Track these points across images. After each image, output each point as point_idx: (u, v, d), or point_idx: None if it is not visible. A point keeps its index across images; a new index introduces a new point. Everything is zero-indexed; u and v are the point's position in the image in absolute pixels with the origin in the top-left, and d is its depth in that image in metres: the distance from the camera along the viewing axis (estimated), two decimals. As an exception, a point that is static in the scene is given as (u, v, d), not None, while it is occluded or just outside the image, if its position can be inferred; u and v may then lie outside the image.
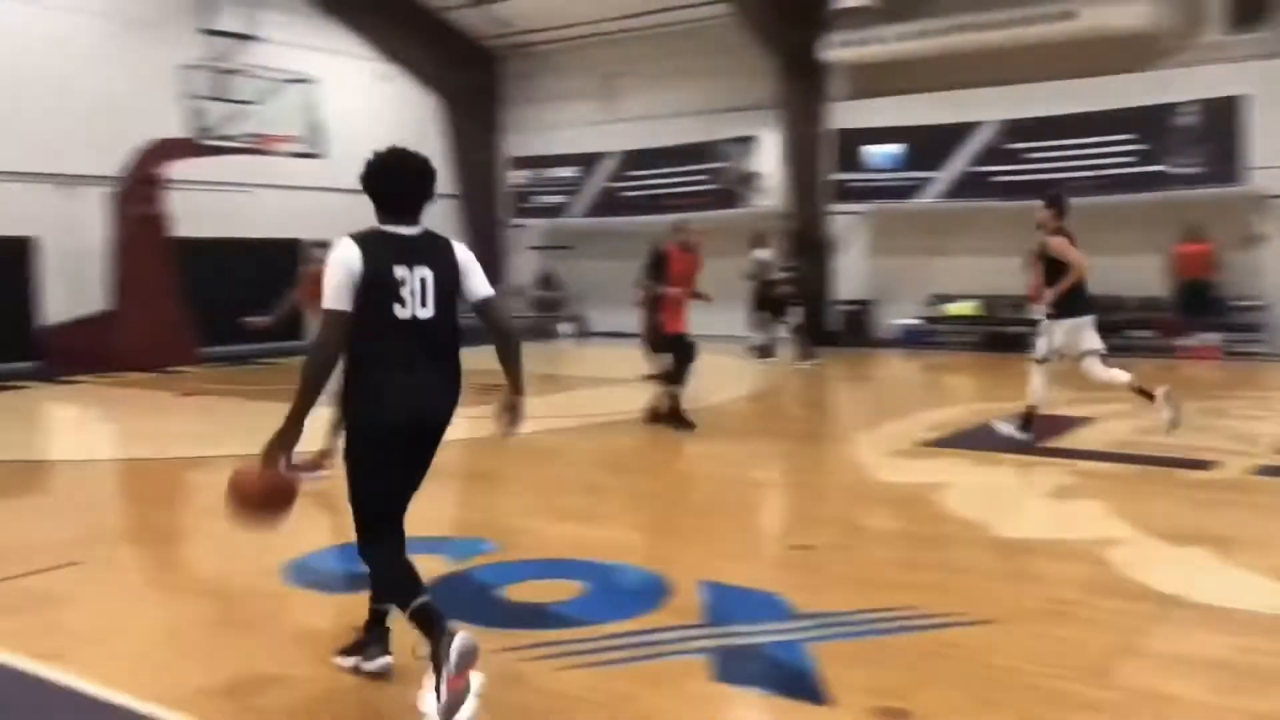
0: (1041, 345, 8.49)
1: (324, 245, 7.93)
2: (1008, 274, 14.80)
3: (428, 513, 7.09)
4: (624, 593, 5.16)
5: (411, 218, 3.91)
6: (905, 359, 17.33)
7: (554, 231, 23.45)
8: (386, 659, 4.07)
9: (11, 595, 5.16)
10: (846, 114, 19.34)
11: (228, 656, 4.32)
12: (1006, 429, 8.62)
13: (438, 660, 3.55)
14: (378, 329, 3.69)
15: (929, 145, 18.22)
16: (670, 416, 9.76)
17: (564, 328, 22.50)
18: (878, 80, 18.86)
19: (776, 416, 11.77)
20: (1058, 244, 8.18)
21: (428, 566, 5.45)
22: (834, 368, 15.73)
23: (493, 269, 23.42)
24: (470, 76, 23.29)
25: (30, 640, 4.49)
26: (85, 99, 17.04)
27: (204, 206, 17.92)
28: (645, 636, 4.45)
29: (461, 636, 3.57)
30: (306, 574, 5.48)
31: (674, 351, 9.74)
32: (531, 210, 23.21)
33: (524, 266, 23.95)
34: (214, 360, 16.73)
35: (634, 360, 15.56)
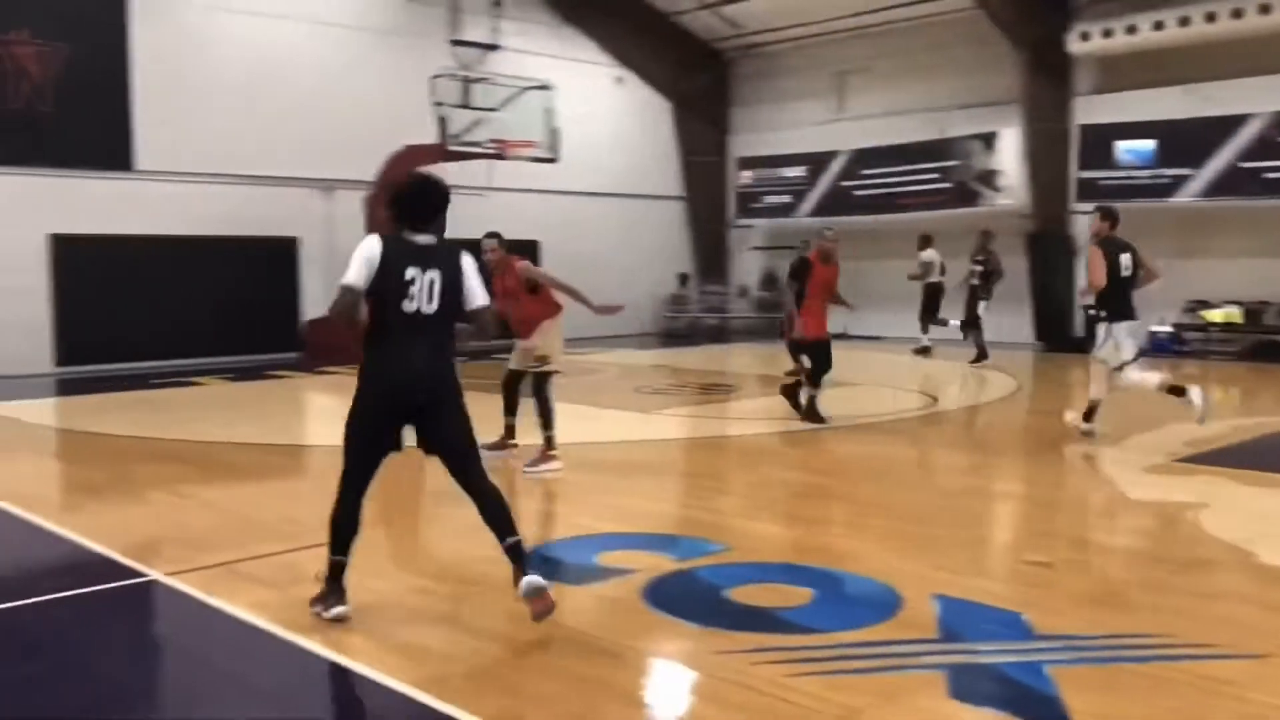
0: None
1: (494, 235, 8.27)
2: (1276, 278, 13.64)
3: (653, 510, 7.23)
4: (854, 602, 5.05)
5: (426, 230, 4.72)
6: (1157, 368, 16.22)
7: (779, 232, 23.33)
8: (343, 608, 4.68)
9: (273, 570, 5.56)
10: (1092, 108, 18.33)
11: (466, 639, 4.51)
12: None
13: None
14: (389, 319, 4.60)
15: (1184, 140, 16.98)
16: (808, 412, 10.11)
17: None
18: (1127, 72, 17.80)
19: (1013, 424, 11.26)
20: None
21: (654, 564, 5.54)
22: (1078, 373, 14.90)
23: (717, 269, 23.74)
24: (700, 79, 23.48)
25: (288, 613, 4.83)
26: (343, 107, 18.26)
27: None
28: (877, 648, 4.34)
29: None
30: (538, 563, 5.63)
31: (811, 355, 10.12)
32: (758, 210, 23.17)
33: (748, 267, 23.97)
34: (457, 354, 17.55)
35: (855, 362, 15.30)
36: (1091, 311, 8.26)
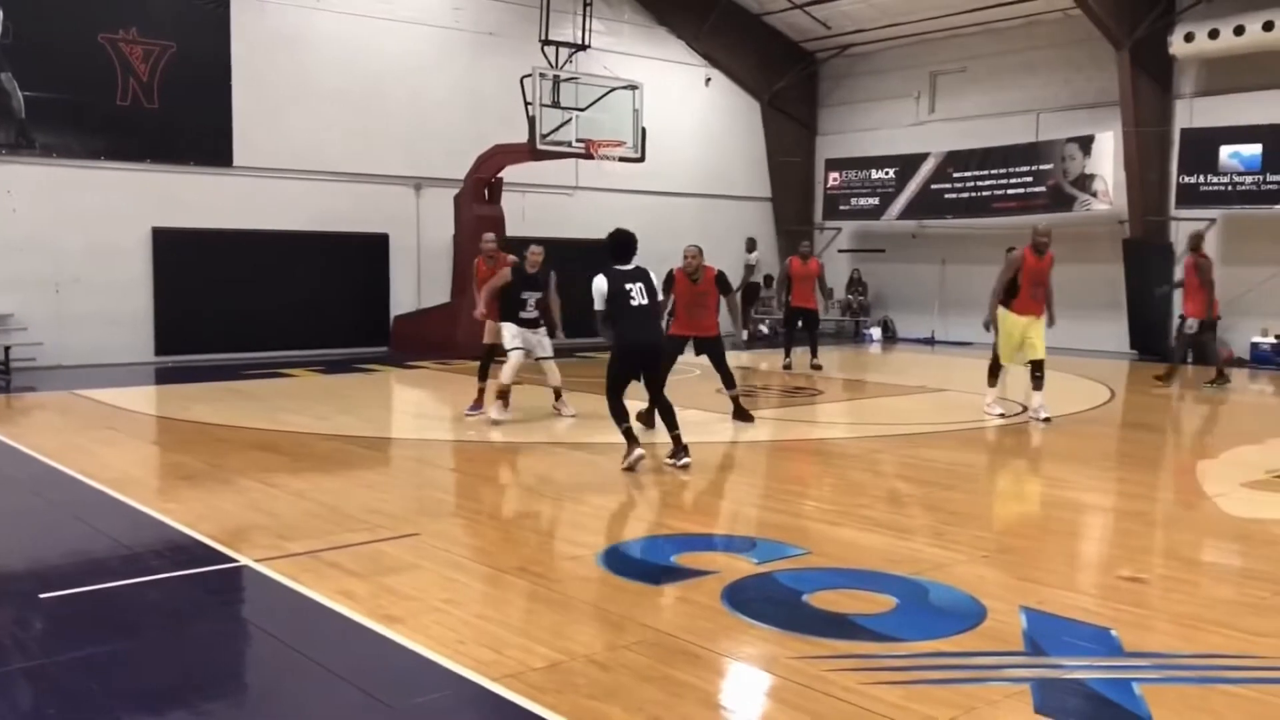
0: None
1: (493, 237, 11.28)
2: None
3: (733, 511, 7.20)
4: (937, 612, 4.96)
5: (629, 261, 8.32)
6: (1257, 380, 15.69)
7: (866, 234, 23.08)
8: (639, 451, 8.12)
9: (359, 559, 5.66)
10: (1195, 112, 17.80)
11: (545, 634, 4.53)
12: None
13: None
14: (623, 310, 8.15)
15: (1293, 145, 16.38)
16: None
17: (872, 332, 22.11)
18: (1232, 75, 17.25)
19: (1109, 437, 10.96)
20: None
21: (734, 566, 5.52)
22: (1175, 387, 14.47)
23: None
24: (789, 79, 23.33)
25: (374, 602, 4.91)
26: (433, 106, 18.56)
27: (532, 207, 19.07)
28: (960, 659, 4.26)
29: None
30: (618, 561, 5.66)
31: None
32: (845, 213, 22.93)
33: (835, 270, 23.73)
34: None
35: (943, 368, 15.04)
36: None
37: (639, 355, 8.29)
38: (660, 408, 8.42)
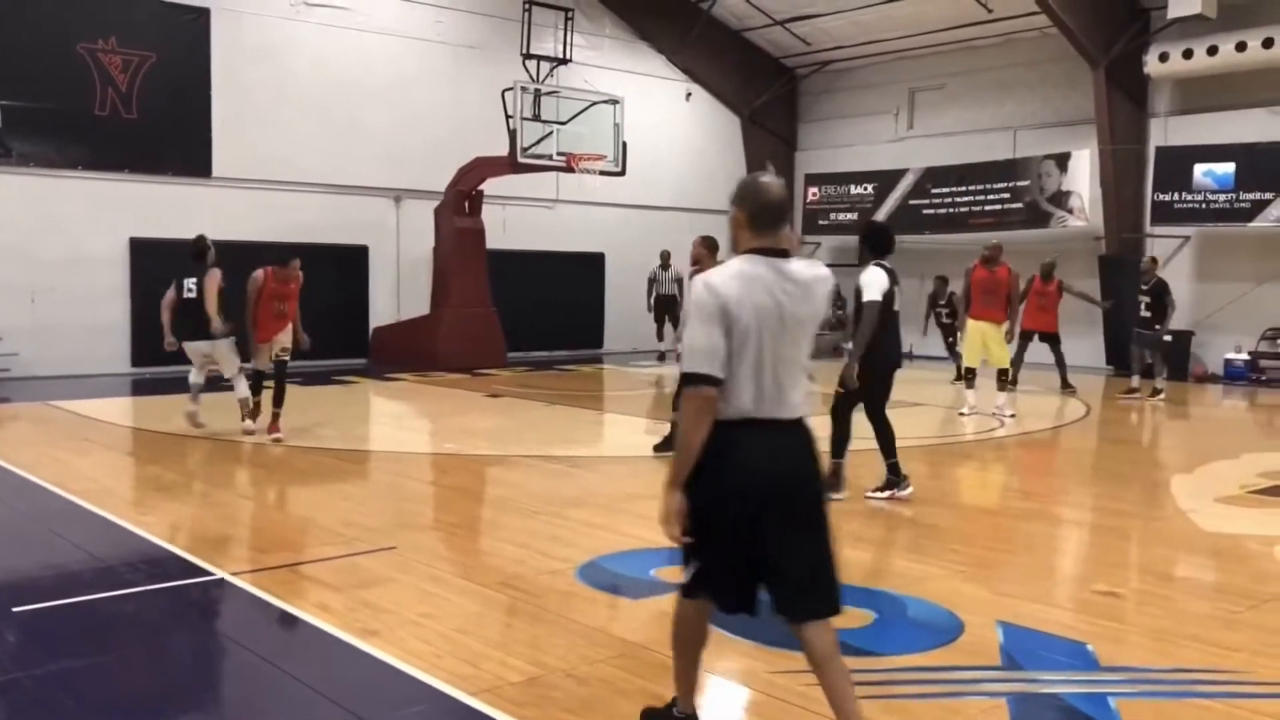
0: None
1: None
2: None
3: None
4: (915, 626, 4.99)
5: (886, 257, 7.38)
6: (1231, 396, 15.85)
7: (844, 249, 23.17)
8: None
9: (336, 572, 5.64)
10: (1169, 130, 18.00)
11: (522, 648, 4.52)
12: None
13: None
14: (888, 316, 7.36)
15: (1266, 164, 16.57)
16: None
17: (851, 346, 22.16)
18: (1206, 94, 17.46)
19: (1085, 451, 11.05)
20: None
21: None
22: (1150, 403, 14.61)
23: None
24: (769, 94, 23.44)
25: (351, 616, 4.89)
26: (414, 119, 18.54)
27: (512, 220, 19.08)
28: (938, 673, 4.28)
29: None
30: (596, 574, 5.66)
31: None
32: (824, 227, 23.03)
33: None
34: (521, 364, 17.78)
35: (921, 383, 15.12)
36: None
37: (892, 369, 7.57)
38: (888, 433, 7.61)
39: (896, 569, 5.94)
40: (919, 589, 5.48)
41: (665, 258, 18.57)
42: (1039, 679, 4.26)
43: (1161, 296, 14.31)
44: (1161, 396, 14.38)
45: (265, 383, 10.47)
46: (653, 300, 18.93)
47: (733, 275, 3.27)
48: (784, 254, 3.37)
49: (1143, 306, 14.47)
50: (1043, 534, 7.15)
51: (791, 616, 3.39)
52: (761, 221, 3.37)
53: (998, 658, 4.48)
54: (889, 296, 7.21)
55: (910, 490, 7.62)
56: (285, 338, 10.35)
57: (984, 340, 12.03)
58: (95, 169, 15.79)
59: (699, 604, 3.48)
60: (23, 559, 6.17)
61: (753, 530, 3.29)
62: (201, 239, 10.52)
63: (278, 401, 10.12)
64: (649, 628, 4.83)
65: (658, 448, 9.21)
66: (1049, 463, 10.06)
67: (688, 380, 3.25)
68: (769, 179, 3.46)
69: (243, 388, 10.34)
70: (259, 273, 10.30)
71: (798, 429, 3.40)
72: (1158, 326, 14.29)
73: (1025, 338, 14.19)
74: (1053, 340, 14.80)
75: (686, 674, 3.60)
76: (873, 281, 7.11)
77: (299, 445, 9.75)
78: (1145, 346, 14.49)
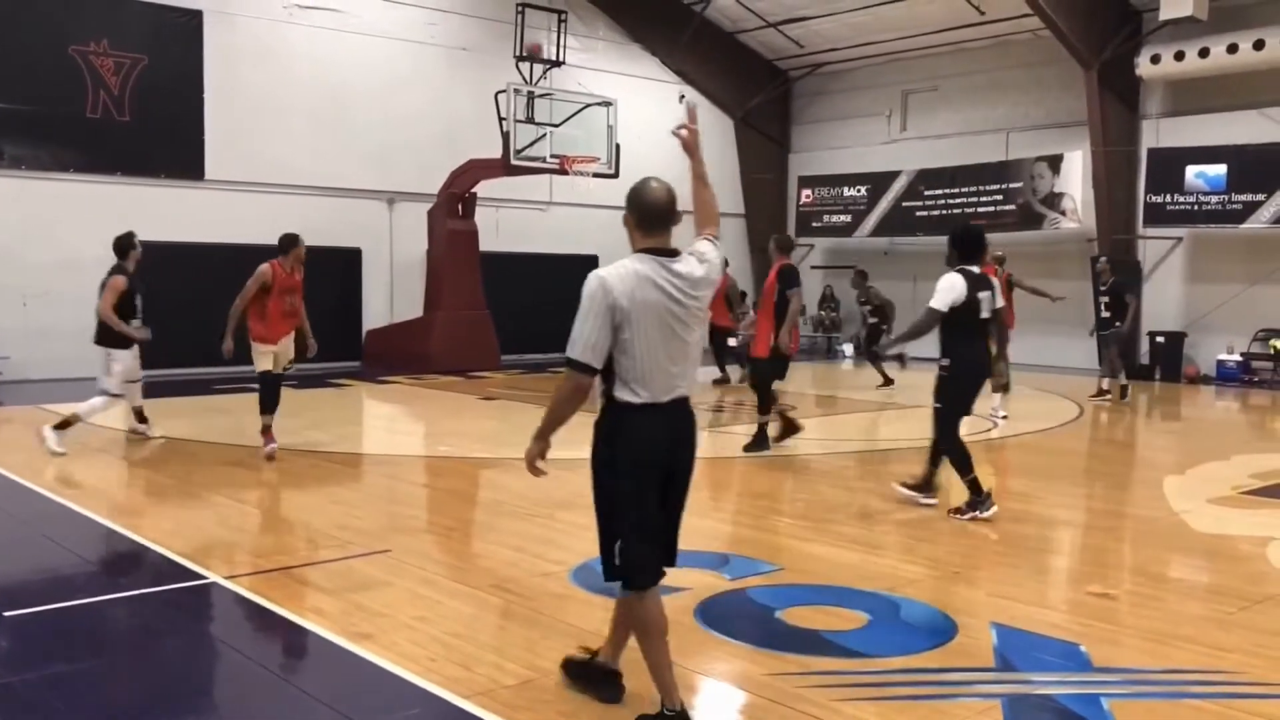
0: None
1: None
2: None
3: (706, 528, 7.21)
4: (908, 628, 4.99)
5: (978, 262, 7.27)
6: (1223, 397, 15.89)
7: (838, 251, 23.21)
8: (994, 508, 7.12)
9: (330, 576, 5.63)
10: (1162, 132, 18.06)
11: (516, 651, 4.52)
12: None
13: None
14: (970, 324, 7.10)
15: (1257, 165, 16.64)
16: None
17: (844, 348, 22.22)
18: (1197, 96, 17.53)
19: (1078, 453, 11.07)
20: None
21: (706, 582, 5.53)
22: (1142, 403, 14.65)
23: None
24: (762, 97, 23.47)
25: (345, 619, 4.88)
26: (407, 121, 18.53)
27: (506, 222, 19.08)
28: (932, 675, 4.28)
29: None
30: (590, 577, 5.65)
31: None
32: (818, 230, 23.07)
33: (807, 287, 23.83)
34: (514, 367, 17.77)
35: (914, 385, 15.14)
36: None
37: (979, 382, 7.29)
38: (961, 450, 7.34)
39: (889, 571, 5.95)
40: (912, 591, 5.48)
41: None
42: (1032, 680, 4.26)
43: (1121, 295, 14.36)
44: (1125, 399, 14.34)
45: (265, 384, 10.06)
46: None
47: (624, 273, 3.62)
48: (673, 253, 3.72)
49: (1102, 307, 14.54)
50: (1036, 535, 7.16)
51: (658, 578, 3.84)
52: (648, 224, 3.74)
53: (991, 659, 4.48)
54: (969, 304, 6.93)
55: (994, 510, 7.22)
56: (291, 347, 9.56)
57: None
58: (87, 171, 15.75)
59: (645, 594, 3.80)
60: (15, 563, 6.14)
61: (659, 498, 3.77)
62: (122, 236, 9.76)
63: (268, 408, 9.37)
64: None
65: (747, 448, 9.73)
66: (1041, 464, 10.07)
67: (569, 364, 3.64)
68: (656, 184, 3.80)
69: (97, 404, 9.43)
70: (266, 266, 9.45)
71: (684, 408, 3.83)
72: (1118, 324, 14.31)
73: None
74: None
75: (665, 666, 3.80)
76: (942, 288, 6.91)
77: (292, 449, 9.72)
78: (1107, 346, 14.49)
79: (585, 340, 3.57)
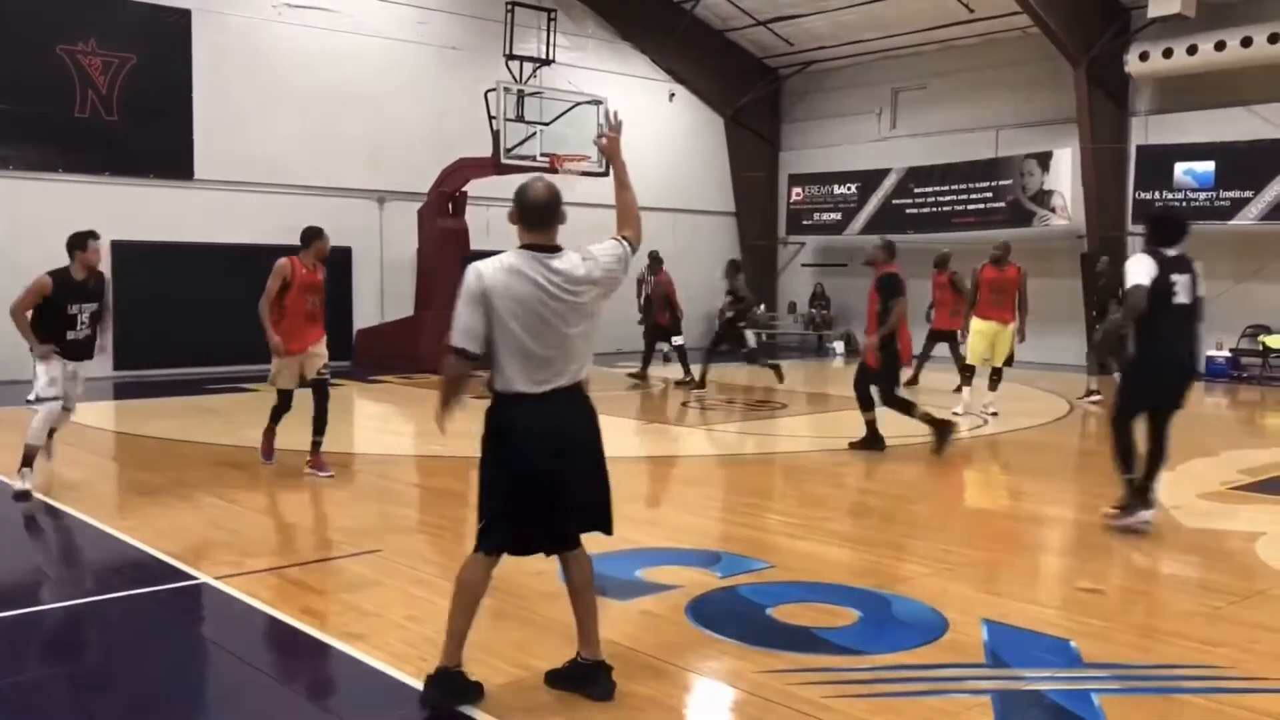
0: None
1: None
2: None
3: (697, 525, 7.22)
4: (899, 625, 5.00)
5: (1176, 245, 6.48)
6: (1212, 394, 15.95)
7: (828, 249, 23.24)
8: (1148, 513, 6.59)
9: (322, 576, 5.62)
10: (1150, 129, 18.12)
11: (507, 651, 4.52)
12: None
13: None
14: (1163, 310, 6.33)
15: (1245, 162, 16.71)
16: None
17: (835, 346, 22.26)
18: (1186, 93, 17.59)
19: (1068, 449, 11.11)
20: None
21: (697, 580, 5.53)
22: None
23: (767, 286, 23.65)
24: (752, 95, 23.48)
25: (337, 620, 4.88)
26: (397, 120, 18.49)
27: (496, 221, 19.04)
28: (922, 671, 4.29)
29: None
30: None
31: None
32: (808, 227, 23.10)
33: (797, 284, 23.91)
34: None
35: (905, 382, 15.15)
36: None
37: (1174, 375, 6.61)
38: (1158, 453, 6.79)
39: (880, 568, 5.96)
40: (903, 587, 5.50)
41: (654, 258, 18.54)
42: (1023, 676, 4.28)
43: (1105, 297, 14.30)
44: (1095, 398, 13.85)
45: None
46: (642, 301, 18.89)
47: (500, 267, 3.86)
48: (554, 249, 3.96)
49: (1110, 307, 14.42)
50: (1026, 531, 7.19)
51: (573, 544, 4.08)
52: (529, 221, 4.03)
53: (982, 655, 4.49)
54: (1158, 292, 6.26)
55: (1147, 518, 6.77)
56: (323, 346, 8.84)
57: (993, 341, 12.05)
58: (75, 171, 15.68)
59: (488, 559, 3.98)
60: (3, 565, 6.12)
61: (533, 485, 3.87)
62: (75, 233, 8.18)
63: (319, 429, 8.57)
64: (635, 629, 4.84)
65: (853, 445, 9.72)
66: (1032, 460, 10.10)
67: (451, 349, 3.88)
68: (540, 184, 4.07)
69: (36, 422, 8.01)
70: (284, 260, 8.68)
71: (568, 395, 3.93)
72: (1098, 326, 14.27)
73: (933, 337, 14.31)
74: (950, 337, 14.09)
75: (463, 631, 3.96)
76: (1130, 269, 6.40)
77: (283, 448, 9.70)
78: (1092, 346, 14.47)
79: (460, 326, 3.81)
